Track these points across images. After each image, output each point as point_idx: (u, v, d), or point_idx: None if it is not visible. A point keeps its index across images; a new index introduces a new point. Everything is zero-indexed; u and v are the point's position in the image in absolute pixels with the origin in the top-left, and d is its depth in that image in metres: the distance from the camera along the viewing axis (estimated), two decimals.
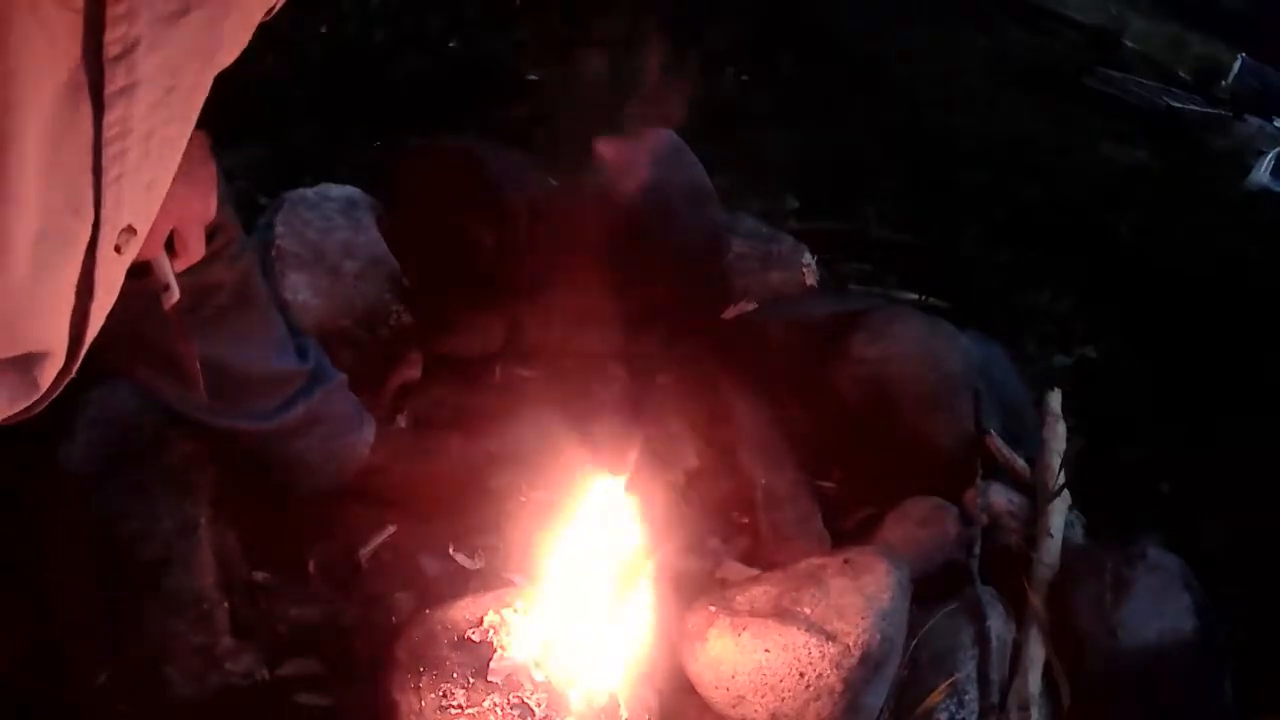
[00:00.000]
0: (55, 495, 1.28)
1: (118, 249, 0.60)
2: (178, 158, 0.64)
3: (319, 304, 1.56)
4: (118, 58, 0.50)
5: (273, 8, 0.68)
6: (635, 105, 2.05)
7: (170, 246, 0.99)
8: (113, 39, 0.49)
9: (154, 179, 0.61)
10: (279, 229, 1.58)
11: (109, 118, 0.52)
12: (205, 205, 1.00)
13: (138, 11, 0.49)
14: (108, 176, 0.55)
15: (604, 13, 2.28)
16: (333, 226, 1.64)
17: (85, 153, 0.53)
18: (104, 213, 0.56)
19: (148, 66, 0.52)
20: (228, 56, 0.63)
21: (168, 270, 0.98)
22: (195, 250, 1.01)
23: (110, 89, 0.51)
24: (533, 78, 2.35)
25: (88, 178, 0.54)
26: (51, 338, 0.62)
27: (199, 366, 1.04)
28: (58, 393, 0.67)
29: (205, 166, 0.99)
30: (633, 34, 2.25)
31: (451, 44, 2.45)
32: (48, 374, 0.64)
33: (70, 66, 0.49)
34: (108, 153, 0.54)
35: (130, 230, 0.61)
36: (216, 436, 1.27)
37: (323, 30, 2.34)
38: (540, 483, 1.42)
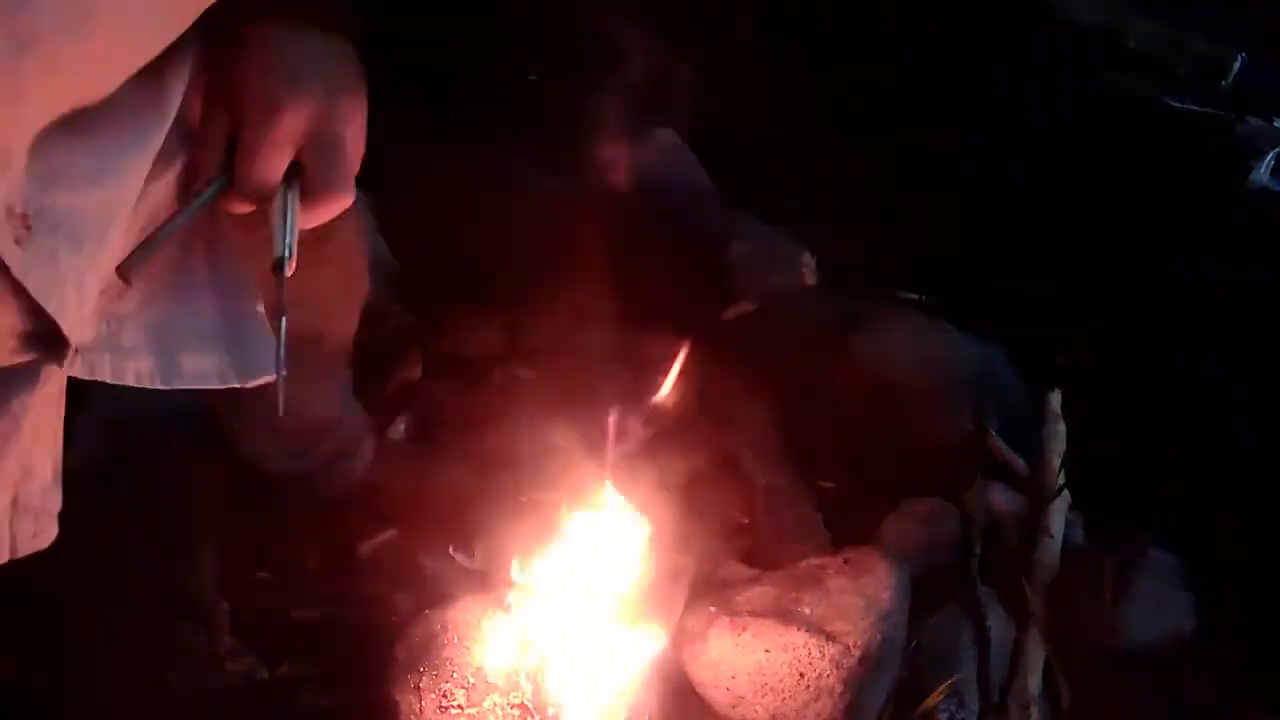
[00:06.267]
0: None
1: None
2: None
3: None
4: None
5: None
6: (636, 105, 2.05)
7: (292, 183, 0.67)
8: None
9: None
10: None
11: None
12: (358, 144, 0.71)
13: None
14: None
15: (604, 12, 2.28)
16: None
17: None
18: None
19: None
20: None
21: (289, 224, 0.67)
22: (333, 197, 0.69)
23: None
24: (533, 78, 2.35)
25: None
26: None
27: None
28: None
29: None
30: (633, 34, 2.25)
31: (451, 44, 2.45)
32: None
33: None
34: None
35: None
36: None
37: None
38: (540, 483, 1.42)
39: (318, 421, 1.22)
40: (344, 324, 1.12)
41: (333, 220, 0.72)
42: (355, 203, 0.72)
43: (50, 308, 0.59)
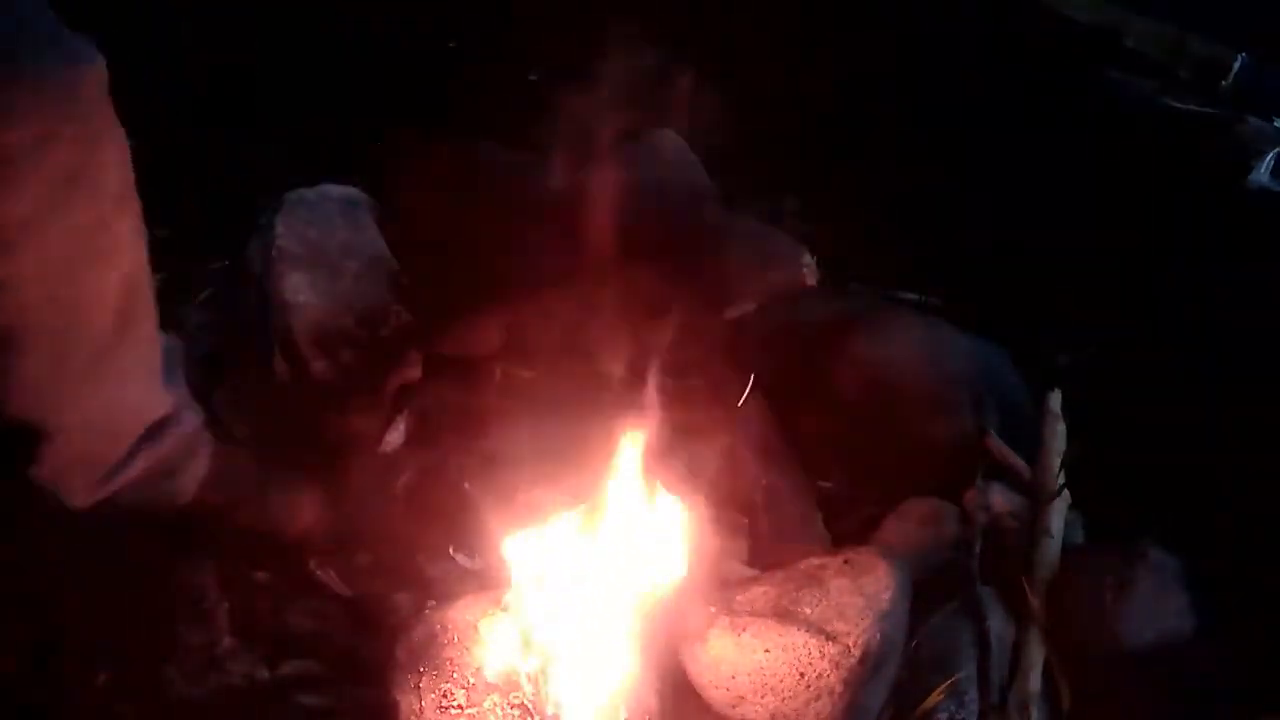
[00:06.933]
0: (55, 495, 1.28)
1: None
2: None
3: (319, 304, 1.56)
4: None
5: None
6: (635, 105, 2.05)
7: None
8: None
9: None
10: (279, 229, 1.59)
11: None
12: None
13: None
14: None
15: (604, 12, 2.28)
16: (333, 226, 1.64)
17: None
18: None
19: None
20: None
21: None
22: None
23: None
24: (533, 78, 2.35)
25: None
26: None
27: None
28: None
29: None
30: (633, 34, 2.25)
31: (451, 44, 2.45)
32: None
33: None
34: None
35: None
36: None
37: (321, 30, 2.34)
38: (540, 483, 1.42)
39: (129, 422, 1.05)
40: (113, 293, 0.93)
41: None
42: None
43: None
